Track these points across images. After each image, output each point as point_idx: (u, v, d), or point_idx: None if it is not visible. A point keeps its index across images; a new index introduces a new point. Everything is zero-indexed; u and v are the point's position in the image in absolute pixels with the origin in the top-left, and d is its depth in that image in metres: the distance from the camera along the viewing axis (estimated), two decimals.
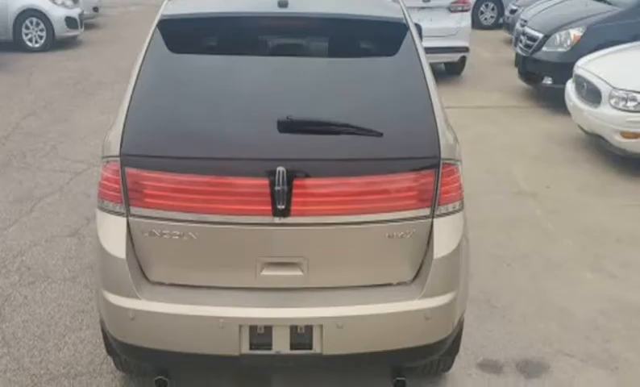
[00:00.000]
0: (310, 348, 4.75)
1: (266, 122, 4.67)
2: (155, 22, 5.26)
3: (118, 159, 4.69)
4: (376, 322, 4.75)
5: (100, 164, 4.94)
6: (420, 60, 5.09)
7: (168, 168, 4.62)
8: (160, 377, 5.03)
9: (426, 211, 4.76)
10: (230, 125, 4.76)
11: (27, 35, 19.13)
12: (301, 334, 4.73)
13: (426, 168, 4.73)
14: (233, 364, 4.87)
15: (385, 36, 5.30)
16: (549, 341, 6.35)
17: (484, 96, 15.19)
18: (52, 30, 19.37)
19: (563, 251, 8.12)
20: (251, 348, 4.73)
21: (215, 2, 5.81)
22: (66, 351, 6.11)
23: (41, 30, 19.24)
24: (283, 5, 5.18)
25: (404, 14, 5.43)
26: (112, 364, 5.65)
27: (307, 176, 4.58)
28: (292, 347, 4.75)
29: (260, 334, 4.71)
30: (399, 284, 4.90)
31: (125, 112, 4.82)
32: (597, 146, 11.33)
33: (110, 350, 5.36)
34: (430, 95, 4.92)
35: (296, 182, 4.55)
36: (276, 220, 4.60)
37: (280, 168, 4.50)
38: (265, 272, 4.75)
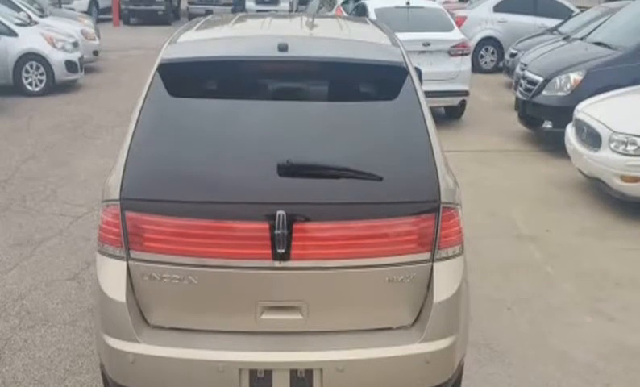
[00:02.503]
0: None
1: (266, 166, 4.68)
2: (155, 65, 5.26)
3: (118, 203, 4.71)
4: (376, 366, 4.74)
5: (100, 208, 4.96)
6: (420, 104, 5.10)
7: (168, 212, 4.64)
8: None
9: (426, 255, 4.77)
10: (229, 169, 4.77)
11: (26, 78, 19.10)
12: (301, 379, 4.72)
13: (426, 212, 4.74)
14: None
15: (385, 80, 5.30)
16: (549, 385, 6.34)
17: (483, 140, 15.22)
18: (52, 74, 19.35)
19: (562, 294, 8.11)
20: None
21: (215, 45, 5.82)
22: None
23: (41, 74, 19.21)
24: (283, 48, 5.16)
25: (404, 57, 5.43)
26: None
27: (307, 219, 4.60)
28: None
29: (260, 379, 4.70)
30: (399, 327, 4.89)
31: (125, 156, 4.83)
32: (597, 190, 11.34)
33: None
34: (429, 139, 4.93)
35: (296, 226, 4.57)
36: (276, 264, 4.61)
37: (280, 212, 4.53)
38: (265, 316, 4.76)
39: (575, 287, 8.31)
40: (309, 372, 4.71)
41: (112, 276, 4.80)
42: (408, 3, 16.85)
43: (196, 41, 5.92)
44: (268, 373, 4.70)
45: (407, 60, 5.42)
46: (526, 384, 6.34)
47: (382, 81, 5.32)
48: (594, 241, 9.75)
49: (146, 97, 5.08)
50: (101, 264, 4.90)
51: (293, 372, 4.71)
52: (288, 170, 4.65)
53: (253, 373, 4.69)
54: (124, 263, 4.75)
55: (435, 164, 4.85)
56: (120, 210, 4.70)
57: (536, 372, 6.54)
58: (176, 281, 4.68)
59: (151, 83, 5.16)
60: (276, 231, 4.54)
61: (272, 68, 5.26)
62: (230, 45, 5.76)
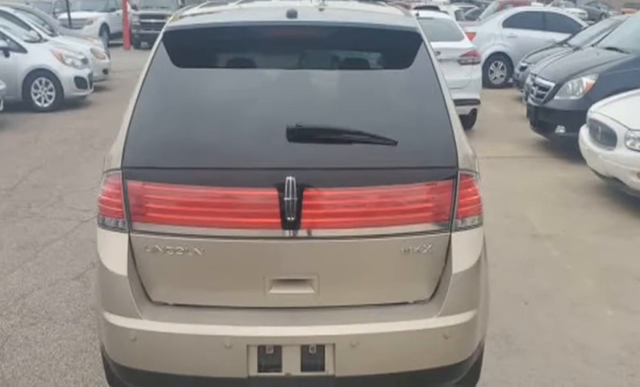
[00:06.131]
0: (322, 370, 4.49)
1: (274, 131, 4.48)
2: (161, 35, 5.09)
3: (120, 171, 4.49)
4: (391, 341, 4.49)
5: (101, 179, 4.72)
6: (435, 70, 4.90)
7: (172, 179, 4.42)
8: None
9: (444, 224, 4.53)
10: (236, 134, 4.56)
11: (36, 94, 19.01)
12: (312, 355, 4.47)
13: (444, 179, 4.51)
14: None
15: (399, 45, 5.09)
16: (571, 376, 6.09)
17: (496, 147, 15.01)
18: (62, 90, 19.27)
19: (581, 289, 7.89)
20: (259, 370, 4.47)
21: (222, 15, 5.67)
22: None
23: (50, 89, 19.14)
24: (292, 15, 4.97)
25: (418, 25, 5.24)
26: None
27: (318, 186, 4.37)
28: (304, 368, 4.48)
29: (269, 355, 4.46)
30: (416, 302, 4.65)
31: (127, 125, 4.65)
32: (612, 191, 11.22)
33: (111, 380, 5.13)
34: (446, 105, 4.72)
35: (306, 193, 4.34)
36: (286, 233, 4.38)
37: (290, 178, 4.29)
38: (274, 290, 4.52)
39: (594, 282, 8.10)
40: (320, 348, 4.47)
41: (113, 249, 4.57)
42: (417, 15, 16.72)
43: (201, 13, 5.75)
44: (278, 349, 4.46)
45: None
46: (548, 376, 6.09)
47: (396, 46, 5.10)
48: (611, 239, 9.56)
49: (150, 65, 4.92)
50: (102, 238, 4.67)
51: (304, 348, 4.46)
52: (298, 134, 4.43)
53: (262, 349, 4.45)
54: (126, 235, 4.52)
55: (452, 129, 4.64)
56: (122, 178, 4.48)
57: (557, 364, 6.29)
58: (181, 254, 4.44)
59: (155, 51, 5.00)
60: (286, 198, 4.31)
61: (281, 34, 5.04)
62: (238, 14, 5.63)
